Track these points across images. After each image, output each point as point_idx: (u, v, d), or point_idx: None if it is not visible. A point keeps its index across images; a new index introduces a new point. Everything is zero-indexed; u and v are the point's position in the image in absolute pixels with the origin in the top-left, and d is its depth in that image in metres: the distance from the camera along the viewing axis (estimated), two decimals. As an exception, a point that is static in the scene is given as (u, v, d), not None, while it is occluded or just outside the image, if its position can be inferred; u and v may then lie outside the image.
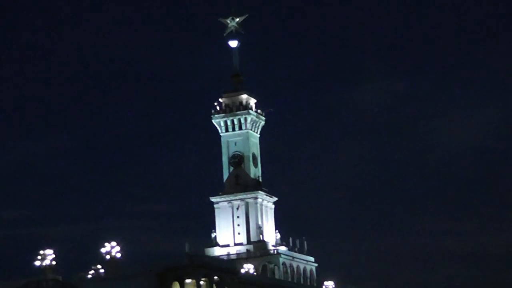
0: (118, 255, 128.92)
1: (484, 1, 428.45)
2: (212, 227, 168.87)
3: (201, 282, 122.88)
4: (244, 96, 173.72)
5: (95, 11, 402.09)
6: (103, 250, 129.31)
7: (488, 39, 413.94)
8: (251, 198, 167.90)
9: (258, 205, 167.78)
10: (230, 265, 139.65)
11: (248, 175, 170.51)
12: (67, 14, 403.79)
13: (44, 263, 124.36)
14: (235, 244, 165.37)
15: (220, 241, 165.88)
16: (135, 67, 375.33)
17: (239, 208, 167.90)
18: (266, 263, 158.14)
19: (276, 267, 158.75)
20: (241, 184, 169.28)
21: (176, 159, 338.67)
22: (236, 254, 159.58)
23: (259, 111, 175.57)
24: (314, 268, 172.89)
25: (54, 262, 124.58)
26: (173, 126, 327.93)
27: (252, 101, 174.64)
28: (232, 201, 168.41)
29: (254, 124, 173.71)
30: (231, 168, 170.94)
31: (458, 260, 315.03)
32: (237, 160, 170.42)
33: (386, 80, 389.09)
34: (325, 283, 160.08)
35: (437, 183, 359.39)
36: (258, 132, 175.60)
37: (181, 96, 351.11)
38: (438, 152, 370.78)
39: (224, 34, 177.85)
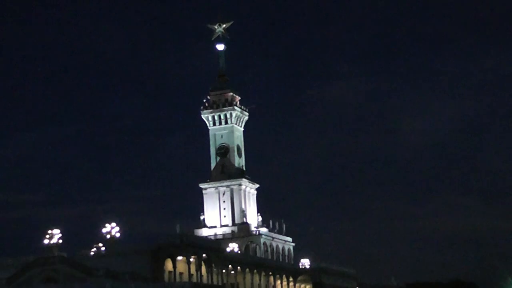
0: (117, 234, 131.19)
1: (445, 7, 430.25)
2: (201, 210, 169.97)
3: (191, 259, 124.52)
4: (229, 94, 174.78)
5: (101, 16, 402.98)
6: (103, 230, 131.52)
7: (447, 43, 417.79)
8: (236, 185, 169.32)
9: (242, 191, 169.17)
10: (216, 244, 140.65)
11: (233, 164, 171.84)
12: (75, 19, 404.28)
13: (51, 242, 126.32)
14: (221, 226, 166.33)
15: (207, 223, 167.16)
16: (133, 68, 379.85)
17: (225, 194, 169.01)
18: (249, 242, 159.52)
19: (257, 247, 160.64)
20: (226, 172, 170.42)
21: (168, 150, 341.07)
22: (222, 234, 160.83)
23: (242, 107, 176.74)
24: (291, 247, 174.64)
25: (60, 241, 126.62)
26: (166, 120, 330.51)
27: (237, 99, 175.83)
28: (218, 188, 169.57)
29: (238, 119, 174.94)
30: (218, 158, 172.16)
31: (416, 239, 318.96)
32: (223, 151, 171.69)
33: (353, 80, 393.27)
34: (302, 260, 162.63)
35: (398, 172, 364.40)
36: (242, 126, 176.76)
37: (173, 93, 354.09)
38: (398, 144, 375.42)
39: (212, 39, 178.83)
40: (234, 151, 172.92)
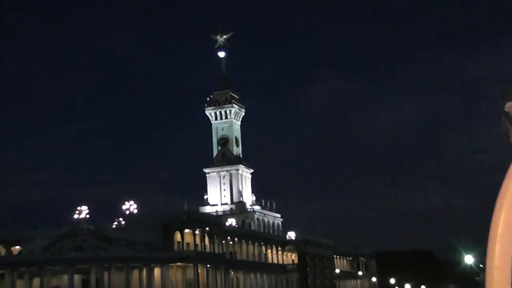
0: (135, 210, 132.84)
1: (412, 20, 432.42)
2: (204, 191, 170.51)
3: (196, 232, 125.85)
4: (229, 94, 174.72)
5: (127, 27, 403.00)
6: (123, 207, 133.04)
7: (413, 52, 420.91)
8: (234, 170, 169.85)
9: (239, 175, 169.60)
10: (217, 219, 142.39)
11: (231, 152, 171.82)
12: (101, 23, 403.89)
13: (80, 217, 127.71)
14: (222, 204, 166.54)
15: (210, 201, 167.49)
16: (150, 73, 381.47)
17: (225, 177, 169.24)
18: (244, 218, 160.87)
19: (251, 221, 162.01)
20: (226, 159, 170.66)
21: (178, 141, 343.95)
22: (222, 211, 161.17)
23: (240, 104, 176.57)
24: (280, 222, 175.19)
25: (87, 216, 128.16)
26: (176, 115, 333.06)
27: (235, 97, 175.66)
28: (219, 172, 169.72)
29: (236, 115, 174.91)
30: (219, 148, 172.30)
31: (385, 215, 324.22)
32: (224, 142, 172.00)
33: (331, 82, 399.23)
34: (288, 233, 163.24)
35: (371, 159, 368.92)
36: (240, 121, 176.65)
37: (183, 93, 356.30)
38: (371, 135, 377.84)
39: (215, 47, 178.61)
40: (232, 141, 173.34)
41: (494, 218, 2.69)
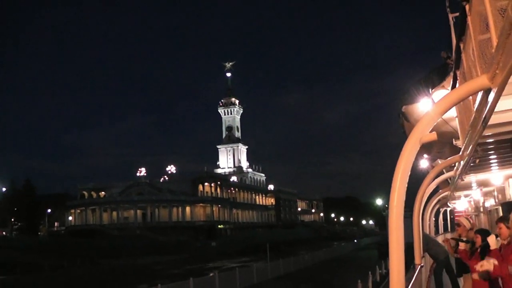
0: (174, 171, 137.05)
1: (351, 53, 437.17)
2: (217, 159, 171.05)
3: (212, 185, 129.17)
4: (233, 99, 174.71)
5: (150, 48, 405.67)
6: (167, 168, 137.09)
7: (350, 72, 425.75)
8: (235, 146, 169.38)
9: (239, 149, 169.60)
10: (225, 177, 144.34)
11: (234, 135, 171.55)
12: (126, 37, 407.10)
13: (140, 174, 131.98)
14: (228, 167, 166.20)
15: (220, 166, 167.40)
16: (183, 86, 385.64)
17: (230, 151, 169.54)
18: (242, 176, 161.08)
19: (246, 178, 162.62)
20: (231, 140, 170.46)
21: (202, 129, 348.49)
22: (228, 172, 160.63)
23: (240, 105, 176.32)
24: (264, 179, 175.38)
25: (145, 174, 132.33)
26: (200, 114, 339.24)
27: (237, 101, 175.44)
28: (226, 148, 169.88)
29: (237, 112, 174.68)
30: (226, 132, 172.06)
31: (328, 175, 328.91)
32: (229, 129, 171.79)
33: (298, 92, 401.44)
34: (269, 186, 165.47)
35: (323, 140, 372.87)
36: (239, 116, 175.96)
37: (203, 99, 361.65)
38: (324, 124, 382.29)
39: (224, 70, 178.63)
40: (235, 129, 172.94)
41: (394, 178, 2.96)
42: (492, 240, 6.03)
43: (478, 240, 6.67)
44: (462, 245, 7.99)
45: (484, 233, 6.38)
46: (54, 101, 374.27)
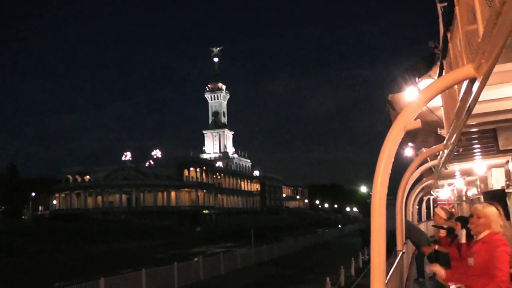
0: (160, 155, 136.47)
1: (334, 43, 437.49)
2: (203, 145, 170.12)
3: (197, 170, 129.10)
4: (219, 84, 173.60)
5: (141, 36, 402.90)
6: (153, 153, 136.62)
7: (335, 62, 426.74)
8: (222, 131, 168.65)
9: (225, 135, 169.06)
10: (211, 162, 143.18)
11: (220, 120, 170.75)
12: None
13: (126, 158, 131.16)
14: (213, 153, 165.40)
15: (206, 151, 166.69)
16: (170, 71, 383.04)
17: (216, 136, 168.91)
18: (227, 162, 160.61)
19: (232, 164, 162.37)
20: (217, 125, 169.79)
21: (190, 114, 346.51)
22: (214, 157, 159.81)
23: (226, 91, 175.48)
24: (249, 165, 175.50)
25: (130, 158, 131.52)
26: (187, 98, 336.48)
27: (223, 86, 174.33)
28: (212, 133, 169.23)
29: (224, 97, 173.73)
30: (213, 118, 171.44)
31: (313, 162, 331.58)
32: (216, 114, 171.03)
33: (283, 79, 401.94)
34: (254, 172, 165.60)
35: (308, 127, 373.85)
36: (226, 101, 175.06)
37: (191, 84, 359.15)
38: (308, 112, 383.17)
39: (212, 54, 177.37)
40: (221, 114, 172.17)
41: (377, 164, 2.95)
42: (461, 234, 6.22)
43: (458, 227, 6.79)
44: (442, 232, 8.11)
45: (464, 221, 6.45)
46: (40, 84, 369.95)
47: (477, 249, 4.44)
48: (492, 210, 4.49)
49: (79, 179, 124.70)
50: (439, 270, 4.98)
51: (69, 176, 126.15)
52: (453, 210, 12.78)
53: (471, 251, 4.58)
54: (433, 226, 8.74)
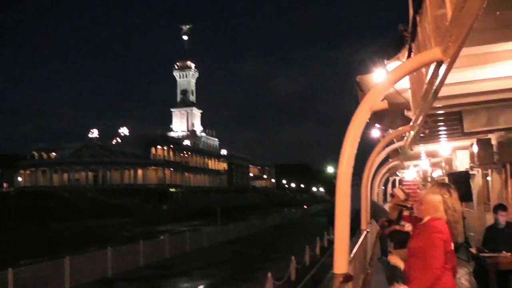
0: (127, 133, 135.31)
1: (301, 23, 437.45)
2: (171, 123, 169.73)
3: (165, 148, 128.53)
4: (188, 62, 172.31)
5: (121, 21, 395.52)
6: (120, 130, 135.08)
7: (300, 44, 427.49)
8: (190, 110, 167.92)
9: (193, 113, 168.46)
10: (178, 141, 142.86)
11: (188, 99, 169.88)
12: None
13: (92, 135, 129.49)
14: (181, 131, 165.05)
15: (174, 129, 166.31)
16: (137, 47, 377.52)
17: (184, 114, 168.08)
18: (195, 140, 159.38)
19: (199, 143, 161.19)
20: (185, 103, 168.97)
21: (156, 91, 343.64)
22: (182, 136, 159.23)
23: (195, 70, 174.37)
24: (217, 144, 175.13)
25: (97, 135, 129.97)
26: (156, 75, 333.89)
27: (192, 65, 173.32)
28: (180, 111, 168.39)
29: (193, 76, 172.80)
30: (181, 96, 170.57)
31: (281, 141, 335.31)
32: (184, 92, 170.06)
33: (256, 57, 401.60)
34: (222, 151, 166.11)
35: (278, 104, 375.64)
36: (195, 80, 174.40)
37: (161, 60, 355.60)
38: (276, 91, 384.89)
39: (181, 32, 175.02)
40: (190, 92, 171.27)
41: (343, 144, 2.97)
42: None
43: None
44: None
45: None
46: (3, 58, 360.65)
47: (417, 233, 4.58)
48: (433, 198, 4.47)
49: (45, 156, 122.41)
50: (396, 259, 5.08)
51: (35, 153, 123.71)
52: (411, 191, 13.15)
53: (414, 233, 4.77)
54: (397, 205, 8.89)
